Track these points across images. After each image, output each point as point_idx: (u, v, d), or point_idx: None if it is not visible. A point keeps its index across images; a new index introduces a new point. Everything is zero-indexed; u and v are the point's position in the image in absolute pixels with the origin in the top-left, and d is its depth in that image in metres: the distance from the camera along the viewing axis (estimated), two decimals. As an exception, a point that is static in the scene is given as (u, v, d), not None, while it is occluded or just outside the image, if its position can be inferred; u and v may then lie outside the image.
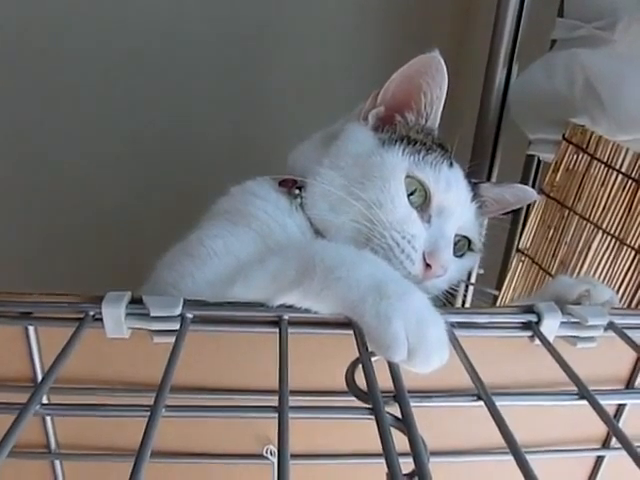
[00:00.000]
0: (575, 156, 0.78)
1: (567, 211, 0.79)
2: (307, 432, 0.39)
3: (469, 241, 0.60)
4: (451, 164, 0.56)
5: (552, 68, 0.78)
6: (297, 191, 0.56)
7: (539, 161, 0.93)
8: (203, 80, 1.11)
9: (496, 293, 0.91)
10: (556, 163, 0.81)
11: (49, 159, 1.10)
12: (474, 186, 0.60)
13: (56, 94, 1.06)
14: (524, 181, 0.95)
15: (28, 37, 1.03)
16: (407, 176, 0.52)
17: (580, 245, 0.76)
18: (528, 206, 0.98)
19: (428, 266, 0.50)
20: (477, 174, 0.93)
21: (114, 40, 1.05)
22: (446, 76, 0.54)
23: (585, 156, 0.76)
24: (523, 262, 0.86)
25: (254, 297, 0.36)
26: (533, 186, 0.97)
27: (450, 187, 0.54)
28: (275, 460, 0.41)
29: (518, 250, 0.86)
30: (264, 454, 0.41)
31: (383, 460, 0.25)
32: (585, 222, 0.76)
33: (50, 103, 1.07)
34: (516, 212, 0.99)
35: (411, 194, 0.52)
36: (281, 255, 0.40)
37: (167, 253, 0.53)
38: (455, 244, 0.56)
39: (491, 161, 0.93)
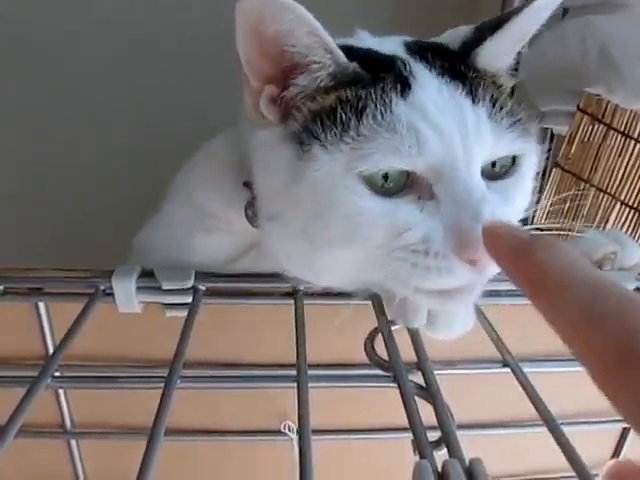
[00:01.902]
0: (590, 127, 0.76)
1: (583, 183, 0.77)
2: (326, 407, 0.38)
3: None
4: (402, 89, 0.33)
5: (565, 37, 0.76)
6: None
7: (552, 134, 0.91)
8: (209, 67, 1.09)
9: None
10: (571, 135, 0.79)
11: (57, 143, 1.09)
12: (468, 63, 0.36)
13: (64, 79, 1.05)
14: (537, 155, 0.93)
15: (32, 26, 1.02)
16: (360, 174, 0.32)
17: (598, 218, 0.75)
18: (542, 180, 0.96)
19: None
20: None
21: (119, 28, 1.04)
22: (290, 6, 0.31)
23: (601, 126, 0.74)
24: (538, 237, 0.84)
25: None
26: (547, 160, 0.95)
27: (426, 136, 0.32)
28: (294, 436, 0.40)
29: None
30: (282, 430, 0.40)
31: (403, 434, 0.24)
32: (602, 194, 0.74)
33: (60, 87, 1.06)
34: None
35: (384, 183, 0.32)
36: None
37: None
38: (493, 177, 0.35)
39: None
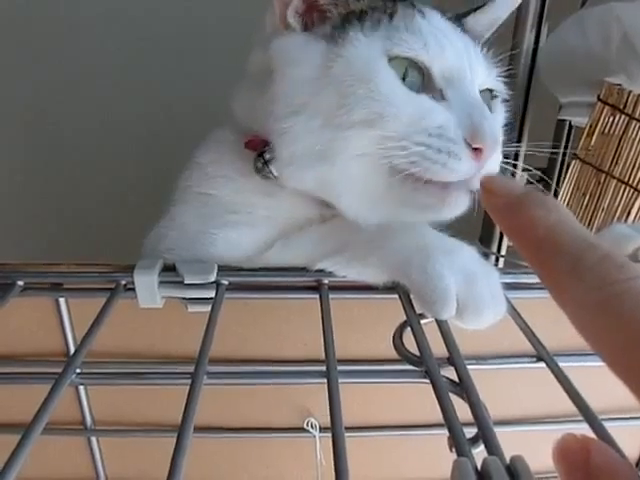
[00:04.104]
0: (611, 118, 0.75)
1: (604, 176, 0.75)
2: (350, 404, 0.38)
3: (490, 91, 0.45)
4: (422, 13, 0.41)
5: (586, 25, 0.74)
6: (267, 156, 0.40)
7: (570, 126, 0.90)
8: (219, 61, 1.09)
9: (528, 265, 0.88)
10: (590, 126, 0.77)
11: (65, 135, 1.10)
12: (460, 23, 0.45)
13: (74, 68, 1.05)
14: (555, 147, 0.92)
15: (32, 22, 1.02)
16: (389, 59, 0.38)
17: (619, 211, 0.73)
18: (560, 174, 0.95)
19: (477, 150, 0.37)
20: (505, 142, 0.90)
21: (120, 25, 1.04)
22: None
23: (622, 117, 0.73)
24: (557, 231, 0.83)
25: (292, 263, 0.34)
26: (565, 152, 0.93)
27: (442, 42, 0.39)
28: (317, 433, 0.39)
29: (551, 219, 0.83)
30: (305, 427, 0.39)
31: (433, 431, 0.23)
32: (624, 186, 0.72)
33: (68, 77, 1.06)
34: (547, 181, 0.96)
35: (403, 79, 0.38)
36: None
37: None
38: None
39: (520, 128, 0.90)
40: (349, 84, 0.37)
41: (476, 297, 0.30)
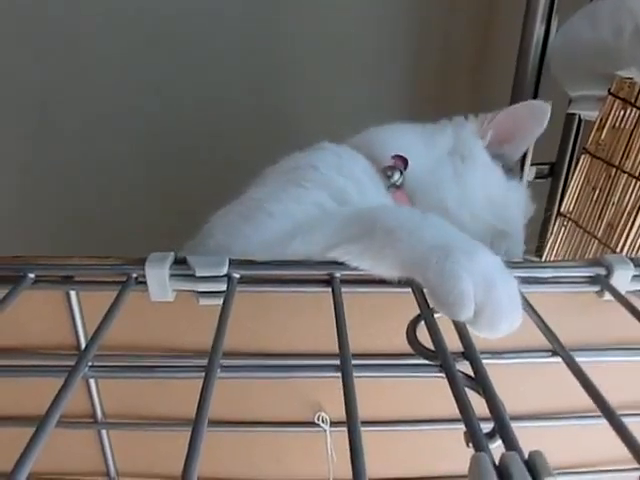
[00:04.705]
0: (622, 112, 0.74)
1: (614, 170, 0.75)
2: (364, 399, 0.38)
3: None
4: None
5: (597, 17, 0.74)
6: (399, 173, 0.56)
7: (580, 120, 0.89)
8: (224, 58, 1.08)
9: (536, 260, 0.88)
10: (601, 120, 0.76)
11: (66, 135, 1.09)
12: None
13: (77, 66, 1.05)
14: (564, 141, 0.91)
15: (33, 21, 1.01)
16: None
17: (629, 205, 0.72)
18: (569, 168, 0.94)
19: None
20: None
21: (121, 26, 1.03)
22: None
23: (634, 111, 0.72)
24: (566, 226, 0.82)
25: (312, 252, 0.34)
26: (574, 146, 0.93)
27: None
28: (327, 427, 0.39)
29: (560, 214, 0.83)
30: (316, 421, 0.39)
31: (448, 425, 0.23)
32: (634, 181, 0.72)
33: (73, 77, 1.06)
34: (556, 175, 0.95)
35: None
36: (343, 214, 0.38)
37: (218, 214, 0.50)
38: None
39: (529, 122, 0.89)
40: (505, 209, 0.62)
41: (494, 303, 0.29)
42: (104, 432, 0.41)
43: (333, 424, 0.39)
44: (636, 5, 0.68)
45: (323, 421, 0.39)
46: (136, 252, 0.35)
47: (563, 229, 0.83)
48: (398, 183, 0.56)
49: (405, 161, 0.58)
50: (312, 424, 0.39)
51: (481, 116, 0.64)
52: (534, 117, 0.64)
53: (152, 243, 0.47)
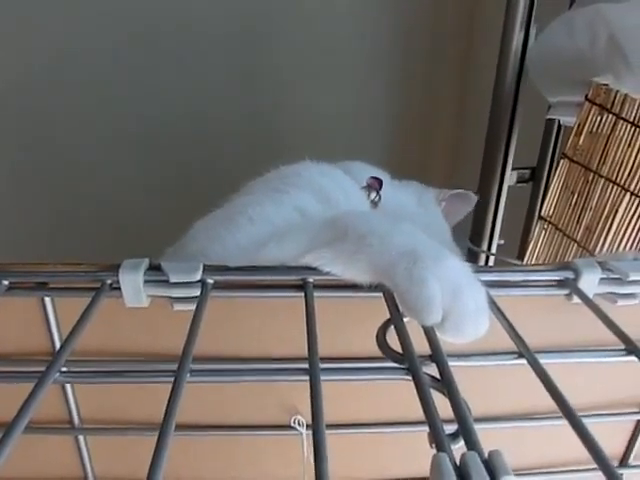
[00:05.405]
0: (599, 117, 0.75)
1: (592, 175, 0.76)
2: (336, 401, 0.38)
3: None
4: None
5: (573, 26, 0.75)
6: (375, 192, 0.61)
7: (559, 125, 0.90)
8: (218, 65, 1.09)
9: (518, 263, 0.89)
10: (579, 126, 0.78)
11: (59, 142, 1.09)
12: None
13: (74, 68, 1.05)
14: (545, 146, 0.93)
15: (32, 20, 1.01)
16: None
17: (607, 210, 0.74)
18: (549, 173, 0.95)
19: None
20: (495, 142, 0.91)
21: (124, 23, 1.03)
22: None
23: (610, 116, 0.73)
24: (546, 230, 0.83)
25: (286, 257, 0.34)
26: (554, 151, 0.94)
27: None
28: (303, 430, 0.39)
29: (540, 217, 0.84)
30: (292, 424, 0.40)
31: (416, 428, 0.24)
32: (611, 185, 0.73)
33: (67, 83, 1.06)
34: (536, 179, 0.97)
35: None
36: (318, 220, 0.38)
37: (202, 219, 0.51)
38: None
39: (509, 128, 0.90)
40: None
41: (460, 309, 0.30)
42: (81, 438, 0.41)
43: (309, 427, 0.39)
44: (611, 15, 0.69)
45: (299, 424, 0.40)
46: (136, 253, 0.36)
47: (544, 232, 0.84)
48: (376, 200, 0.61)
49: (380, 182, 0.63)
50: (288, 427, 0.40)
51: (434, 190, 0.75)
52: (467, 203, 0.77)
53: (151, 246, 0.48)
